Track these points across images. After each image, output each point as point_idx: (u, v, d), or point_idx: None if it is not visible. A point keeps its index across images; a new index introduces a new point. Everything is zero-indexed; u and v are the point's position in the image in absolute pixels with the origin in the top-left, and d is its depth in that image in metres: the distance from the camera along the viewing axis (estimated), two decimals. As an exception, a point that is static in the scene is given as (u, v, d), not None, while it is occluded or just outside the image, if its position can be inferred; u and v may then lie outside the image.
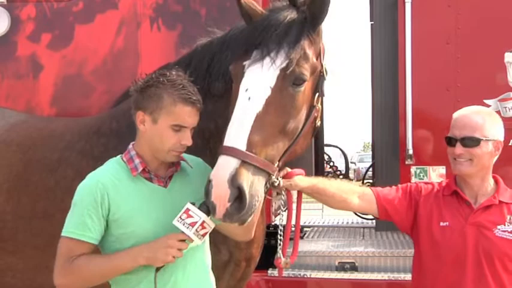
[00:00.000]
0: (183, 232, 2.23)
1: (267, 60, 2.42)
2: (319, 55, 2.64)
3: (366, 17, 5.64)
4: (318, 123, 2.73)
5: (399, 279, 4.41)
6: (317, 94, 2.62)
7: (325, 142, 6.79)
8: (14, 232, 3.31)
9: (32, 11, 4.54)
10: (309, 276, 4.54)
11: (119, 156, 2.48)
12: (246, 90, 2.42)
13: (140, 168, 2.39)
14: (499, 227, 2.67)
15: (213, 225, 2.28)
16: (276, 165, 2.42)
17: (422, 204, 2.82)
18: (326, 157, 7.17)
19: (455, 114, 2.80)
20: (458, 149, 2.69)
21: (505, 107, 4.45)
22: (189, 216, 2.22)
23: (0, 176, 3.36)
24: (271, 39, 2.44)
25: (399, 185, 2.95)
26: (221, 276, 2.63)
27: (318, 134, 5.81)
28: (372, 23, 5.41)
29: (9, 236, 3.32)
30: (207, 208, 2.25)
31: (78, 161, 3.24)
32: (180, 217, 2.23)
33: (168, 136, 2.37)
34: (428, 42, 4.61)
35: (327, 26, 2.69)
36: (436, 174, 4.56)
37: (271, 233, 4.61)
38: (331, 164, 7.56)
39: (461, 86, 4.53)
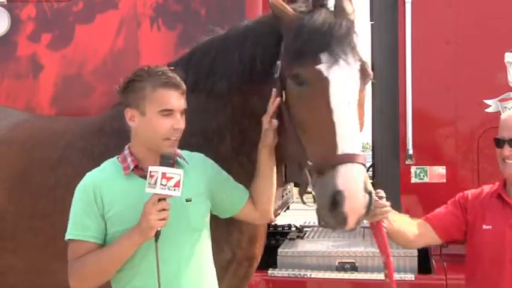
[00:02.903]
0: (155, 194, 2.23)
1: (349, 62, 2.43)
2: None
3: (366, 17, 5.63)
4: None
5: (399, 279, 4.40)
6: None
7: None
8: (15, 231, 3.31)
9: (32, 11, 4.54)
10: (309, 276, 4.53)
11: (115, 157, 2.49)
12: (342, 95, 2.41)
13: (132, 166, 2.40)
14: None
15: (180, 171, 2.24)
16: None
17: (470, 209, 2.85)
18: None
19: (503, 116, 2.82)
20: (507, 150, 2.70)
21: (505, 107, 4.44)
22: (152, 176, 2.22)
23: (2, 175, 3.36)
24: (340, 43, 2.43)
25: (448, 202, 2.96)
26: (223, 275, 2.63)
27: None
28: (372, 23, 5.41)
29: (10, 235, 3.31)
30: (163, 159, 2.25)
31: (78, 160, 3.23)
32: (148, 183, 2.23)
33: (159, 124, 2.36)
34: (428, 42, 4.60)
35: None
36: (436, 174, 4.55)
37: (271, 233, 4.62)
38: (331, 164, 7.53)
39: (461, 86, 4.52)
